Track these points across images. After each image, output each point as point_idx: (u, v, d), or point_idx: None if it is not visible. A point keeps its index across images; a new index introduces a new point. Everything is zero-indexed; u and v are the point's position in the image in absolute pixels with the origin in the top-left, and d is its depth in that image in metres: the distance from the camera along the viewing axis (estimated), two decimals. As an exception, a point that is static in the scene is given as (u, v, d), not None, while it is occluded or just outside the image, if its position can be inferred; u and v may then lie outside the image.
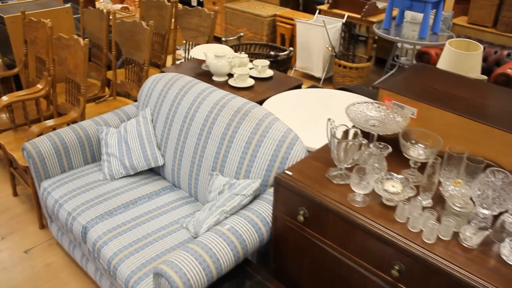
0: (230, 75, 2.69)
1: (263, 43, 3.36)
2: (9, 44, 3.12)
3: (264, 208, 1.80)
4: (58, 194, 2.14)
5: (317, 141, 2.08)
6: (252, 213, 1.77)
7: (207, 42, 3.10)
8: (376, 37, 4.57)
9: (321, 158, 1.75)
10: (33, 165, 2.20)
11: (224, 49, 2.83)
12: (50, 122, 2.38)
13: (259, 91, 2.55)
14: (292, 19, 4.57)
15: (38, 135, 2.33)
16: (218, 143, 2.04)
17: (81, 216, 2.01)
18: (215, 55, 2.60)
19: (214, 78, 2.66)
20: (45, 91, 2.71)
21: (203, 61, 2.86)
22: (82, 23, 3.31)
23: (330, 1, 4.39)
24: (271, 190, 1.90)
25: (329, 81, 4.51)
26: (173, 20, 3.33)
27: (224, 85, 2.61)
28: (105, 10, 3.09)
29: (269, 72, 2.71)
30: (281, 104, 2.42)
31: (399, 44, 4.54)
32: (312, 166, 1.70)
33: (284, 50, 3.25)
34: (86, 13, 3.25)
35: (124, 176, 2.28)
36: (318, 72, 4.44)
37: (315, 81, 4.51)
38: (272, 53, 3.06)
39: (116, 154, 2.27)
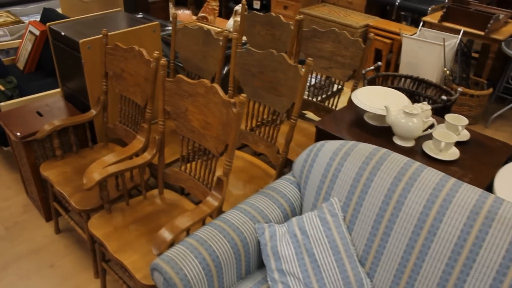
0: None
1: (404, 75, 2.60)
2: (77, 73, 2.28)
3: None
4: None
5: None
6: None
7: (353, 78, 2.31)
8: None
9: None
10: (174, 296, 1.42)
11: (394, 96, 2.05)
12: (184, 222, 1.57)
13: (471, 166, 1.79)
14: (391, 32, 3.79)
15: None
16: (492, 279, 1.29)
17: None
18: (404, 111, 1.83)
19: (397, 141, 1.90)
20: (151, 156, 1.89)
21: (361, 108, 2.09)
22: (174, 46, 2.47)
23: (443, 12, 3.62)
24: None
25: (433, 108, 3.77)
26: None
27: (411, 153, 1.85)
28: (213, 31, 2.26)
29: (466, 134, 1.96)
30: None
31: (516, 65, 3.82)
32: None
33: (431, 85, 2.49)
34: (181, 32, 2.42)
35: (309, 307, 1.52)
36: (427, 99, 3.69)
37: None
38: (443, 97, 2.29)
39: (298, 274, 1.50)
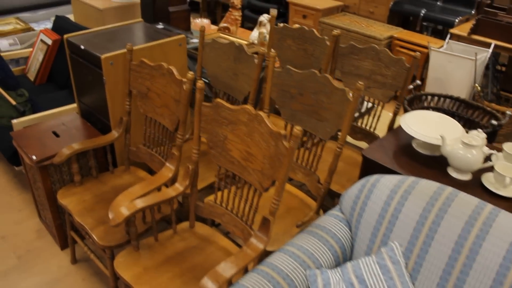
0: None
1: (444, 94, 2.44)
2: (97, 90, 2.11)
3: None
4: None
5: None
6: None
7: (396, 100, 2.15)
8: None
9: None
10: None
11: (445, 122, 1.89)
12: (229, 269, 1.40)
13: (539, 202, 1.63)
14: (416, 44, 3.63)
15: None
16: None
17: None
18: (462, 141, 1.66)
19: (453, 173, 1.73)
20: (184, 188, 1.72)
21: (408, 134, 1.93)
22: (201, 62, 2.30)
23: (472, 24, 3.47)
24: None
25: (460, 124, 3.61)
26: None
27: (469, 187, 1.69)
28: (244, 45, 2.09)
29: (526, 164, 1.80)
30: None
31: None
32: None
33: (473, 106, 2.33)
34: (209, 47, 2.25)
35: None
36: (456, 115, 3.54)
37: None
38: (494, 121, 2.14)
39: (356, 331, 1.34)
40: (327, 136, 1.87)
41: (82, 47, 2.12)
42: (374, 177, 1.59)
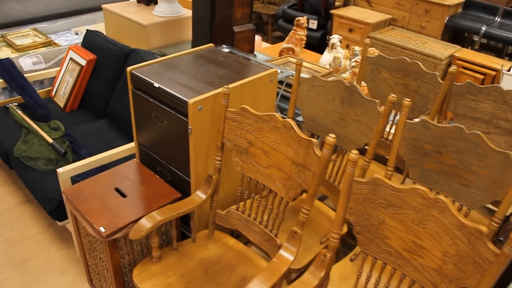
0: None
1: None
2: (174, 139, 1.70)
3: None
4: None
5: None
6: None
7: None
8: None
9: None
10: None
11: None
12: None
13: None
14: (480, 65, 3.33)
15: None
16: None
17: None
18: None
19: None
20: (320, 280, 1.34)
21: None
22: (294, 101, 1.91)
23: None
24: None
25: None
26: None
27: None
28: (359, 87, 1.72)
29: None
30: None
31: None
32: None
33: None
34: (308, 84, 1.86)
35: None
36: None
37: None
38: None
39: None
40: (476, 205, 1.53)
41: (157, 85, 1.70)
42: None
